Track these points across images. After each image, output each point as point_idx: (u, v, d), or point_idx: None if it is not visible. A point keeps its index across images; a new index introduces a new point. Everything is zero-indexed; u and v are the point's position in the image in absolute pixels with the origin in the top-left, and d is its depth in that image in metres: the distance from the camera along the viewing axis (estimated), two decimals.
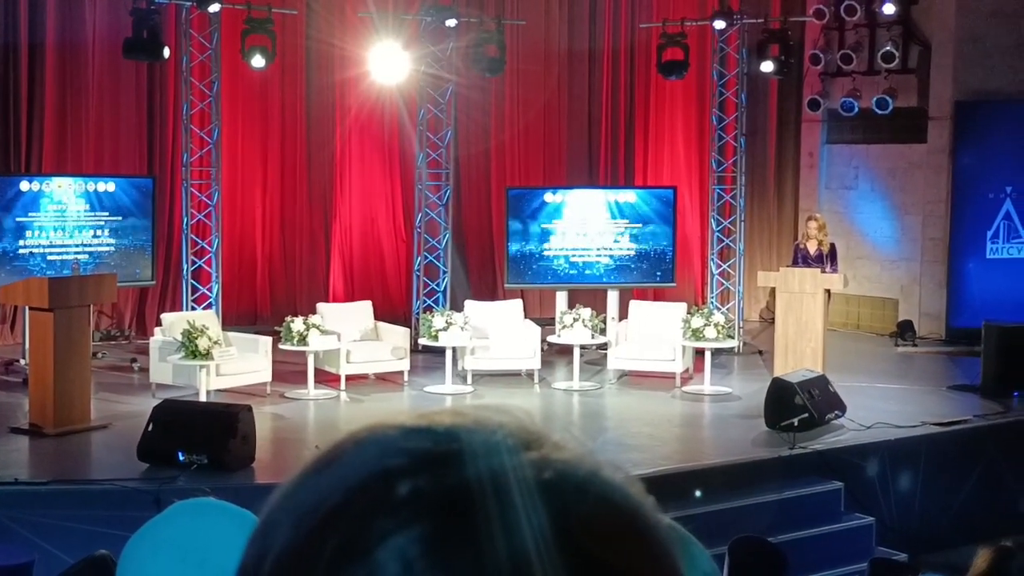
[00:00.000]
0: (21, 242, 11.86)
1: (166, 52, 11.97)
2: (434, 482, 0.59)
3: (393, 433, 0.63)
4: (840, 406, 9.89)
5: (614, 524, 0.61)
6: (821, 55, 14.80)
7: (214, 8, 12.14)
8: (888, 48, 14.17)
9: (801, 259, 11.92)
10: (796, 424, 9.27)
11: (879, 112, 14.18)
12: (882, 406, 10.43)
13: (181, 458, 8.11)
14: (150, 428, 8.33)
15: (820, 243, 11.92)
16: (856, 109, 14.46)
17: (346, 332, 11.29)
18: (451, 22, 12.92)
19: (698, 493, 7.10)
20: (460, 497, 0.59)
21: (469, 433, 0.62)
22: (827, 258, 11.85)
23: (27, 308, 9.87)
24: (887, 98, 14.12)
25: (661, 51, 13.59)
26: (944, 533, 9.16)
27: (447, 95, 13.42)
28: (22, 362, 11.05)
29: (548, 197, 13.15)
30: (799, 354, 11.00)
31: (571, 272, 13.02)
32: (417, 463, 0.60)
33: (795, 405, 9.38)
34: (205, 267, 12.72)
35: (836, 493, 9.03)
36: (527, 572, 0.57)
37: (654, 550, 0.63)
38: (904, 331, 14.09)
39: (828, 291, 11.33)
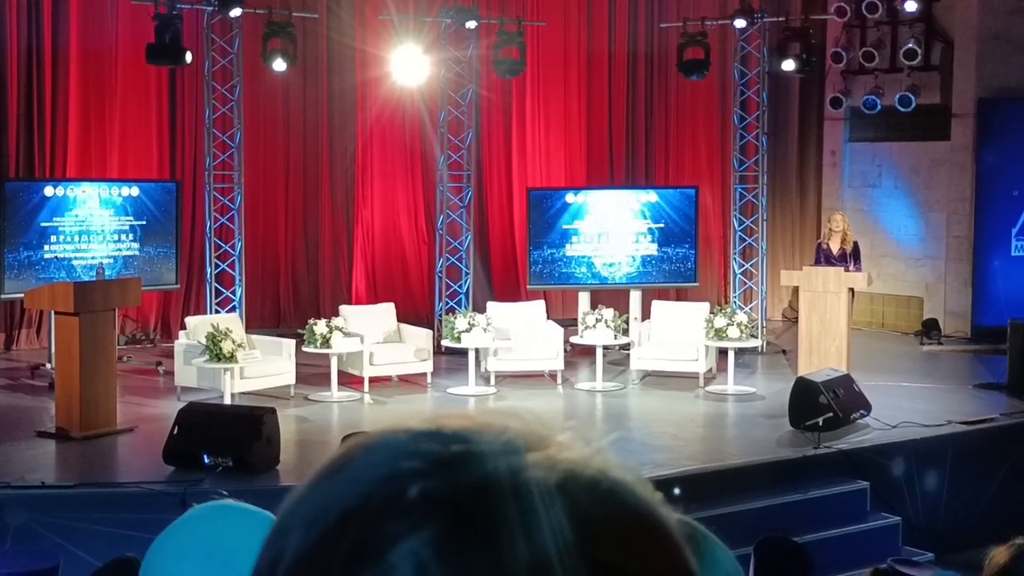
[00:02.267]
0: (46, 247, 11.94)
1: (188, 57, 12.03)
2: (445, 484, 0.60)
3: (402, 437, 0.63)
4: (865, 405, 9.84)
5: (624, 522, 0.62)
6: (843, 53, 14.74)
7: (235, 13, 12.19)
8: (910, 45, 14.10)
9: (824, 258, 11.87)
10: (821, 424, 9.23)
11: (902, 110, 14.11)
12: (907, 405, 10.38)
13: (206, 460, 8.15)
14: (175, 431, 8.37)
15: (843, 241, 11.87)
16: (879, 107, 14.40)
17: (369, 334, 11.32)
18: (471, 24, 12.93)
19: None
20: (472, 498, 0.60)
21: (477, 435, 0.63)
22: (850, 257, 11.80)
23: (53, 313, 9.94)
24: (910, 95, 14.05)
25: (682, 51, 13.56)
26: (971, 532, 9.09)
27: (468, 97, 13.43)
28: (48, 366, 11.12)
29: (570, 198, 13.15)
30: (823, 353, 10.96)
31: (593, 273, 13.01)
32: (427, 466, 0.61)
33: (820, 404, 9.34)
34: (228, 270, 12.77)
35: (862, 493, 8.99)
36: (542, 572, 0.58)
37: (665, 546, 0.63)
38: (929, 329, 14.01)
39: (852, 290, 11.28)
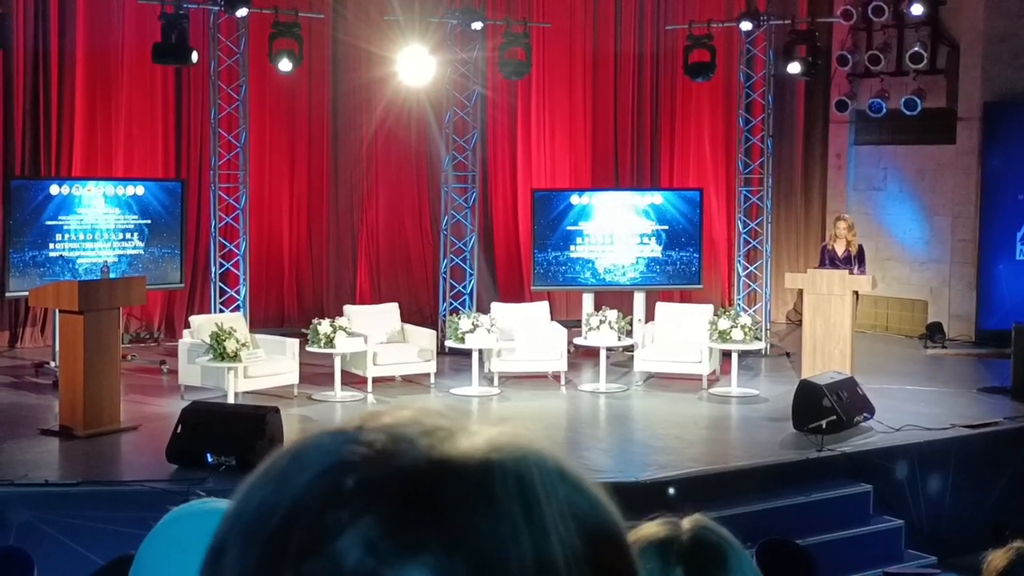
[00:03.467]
0: (51, 245, 11.96)
1: (194, 57, 12.05)
2: (380, 472, 0.61)
3: (328, 438, 0.65)
4: (869, 408, 9.83)
5: (562, 491, 0.64)
6: (849, 56, 14.73)
7: (242, 13, 12.21)
8: (916, 49, 14.09)
9: (829, 260, 11.86)
10: (824, 426, 9.23)
11: (907, 113, 14.10)
12: (911, 408, 10.37)
13: (210, 459, 8.16)
14: (179, 429, 8.39)
15: (848, 244, 11.86)
16: (884, 110, 14.39)
17: (373, 334, 11.32)
18: (477, 25, 12.94)
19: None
20: (407, 480, 0.61)
21: (401, 427, 0.65)
22: (855, 259, 11.79)
23: (57, 311, 9.95)
24: (915, 99, 14.04)
25: (687, 53, 13.56)
26: (974, 536, 9.08)
27: (473, 98, 13.44)
28: (52, 364, 11.14)
29: (574, 199, 13.15)
30: (827, 356, 10.95)
31: (597, 274, 13.01)
32: (359, 459, 0.62)
33: (823, 407, 9.33)
34: (233, 270, 12.79)
35: (865, 496, 8.98)
36: (491, 537, 0.60)
37: (565, 490, 0.65)
38: (933, 333, 13.99)
39: (856, 293, 11.27)
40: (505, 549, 0.60)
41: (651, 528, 1.47)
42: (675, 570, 1.42)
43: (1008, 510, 9.48)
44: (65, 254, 11.99)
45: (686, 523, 1.48)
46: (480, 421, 0.67)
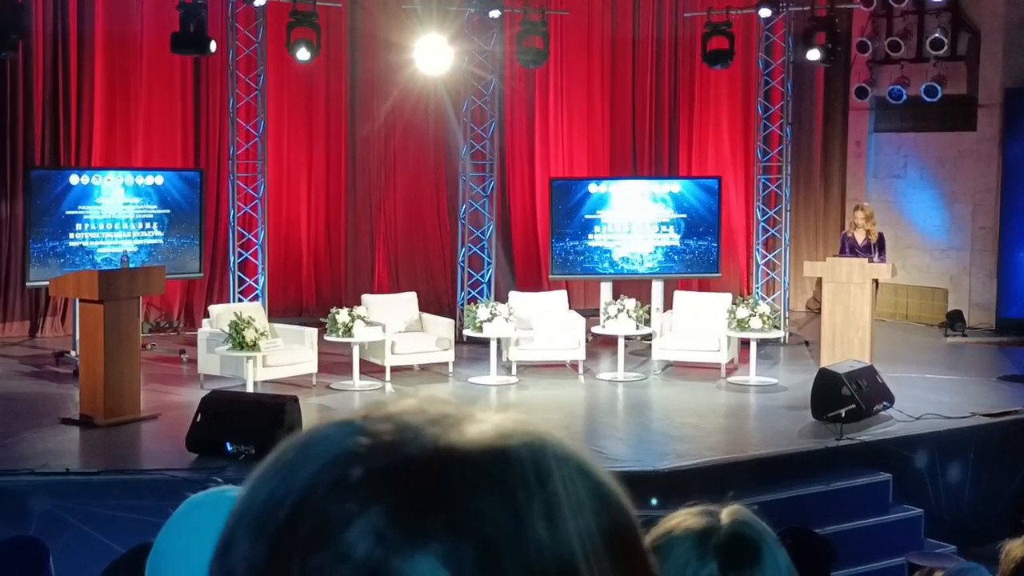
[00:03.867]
0: (71, 235, 12.01)
1: (213, 46, 12.06)
2: (386, 461, 0.61)
3: (334, 430, 0.65)
4: (888, 397, 9.79)
5: (570, 481, 0.64)
6: (869, 43, 14.64)
7: (260, 2, 12.22)
8: (937, 35, 13.99)
9: (849, 249, 11.81)
10: (843, 415, 9.20)
11: (928, 100, 14.01)
12: (931, 397, 10.32)
13: (229, 448, 8.19)
14: (198, 419, 8.42)
15: (868, 232, 11.80)
16: (904, 97, 14.30)
17: (391, 323, 11.34)
18: (495, 13, 12.91)
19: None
20: (414, 468, 0.61)
21: (406, 416, 0.65)
22: (875, 248, 11.73)
23: (77, 300, 10.00)
24: (936, 85, 13.95)
25: (706, 40, 13.50)
26: (994, 525, 9.05)
27: (491, 86, 13.42)
28: (72, 353, 11.20)
29: (592, 188, 13.13)
30: (846, 344, 10.91)
31: (616, 263, 12.99)
32: (365, 449, 0.62)
33: (842, 396, 9.30)
34: (251, 259, 12.82)
35: (884, 484, 8.95)
36: (500, 524, 0.60)
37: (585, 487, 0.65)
38: (954, 321, 13.93)
39: (876, 281, 11.22)
40: (517, 536, 0.60)
41: (689, 519, 1.45)
42: (710, 564, 1.41)
43: None
44: (85, 244, 12.05)
45: (725, 516, 1.46)
46: (487, 409, 0.67)
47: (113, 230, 12.27)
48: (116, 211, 12.28)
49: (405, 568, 0.58)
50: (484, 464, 0.62)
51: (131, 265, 11.64)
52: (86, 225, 12.11)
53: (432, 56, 12.79)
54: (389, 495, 0.60)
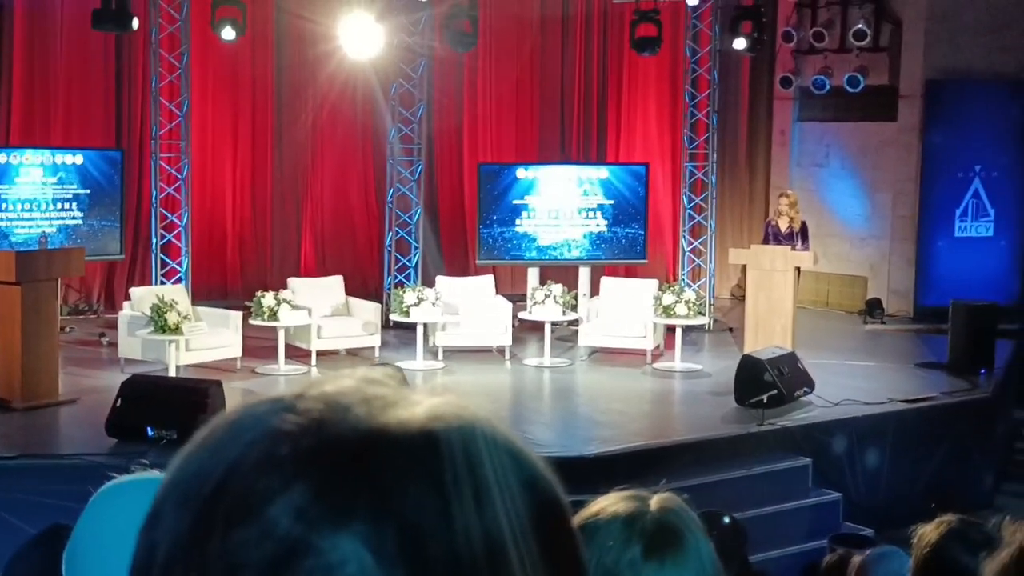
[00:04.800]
0: None
1: (135, 23, 11.83)
2: (311, 439, 0.61)
3: (265, 407, 0.65)
4: (809, 383, 9.95)
5: (494, 458, 0.64)
6: (793, 32, 14.81)
7: None
8: (860, 26, 14.19)
9: (772, 236, 11.96)
10: (765, 401, 9.33)
11: (850, 90, 14.22)
12: (850, 383, 10.51)
13: (151, 433, 8.08)
14: (119, 403, 8.29)
15: (792, 220, 11.96)
16: (828, 87, 14.50)
17: (317, 307, 11.25)
18: None
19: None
20: (341, 447, 0.61)
21: (338, 397, 0.64)
22: (798, 235, 11.90)
23: None
24: (858, 76, 14.17)
25: (634, 27, 13.56)
26: (911, 509, 9.24)
27: (420, 69, 13.35)
28: None
29: (520, 173, 13.14)
30: (769, 331, 11.06)
31: (543, 248, 13.02)
32: (294, 428, 0.62)
33: (764, 382, 9.43)
34: (175, 241, 12.63)
35: (804, 469, 9.11)
36: (425, 507, 0.60)
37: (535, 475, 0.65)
38: (872, 309, 14.18)
39: (798, 269, 11.38)
40: (443, 521, 0.60)
41: (618, 502, 1.46)
42: (634, 548, 1.42)
43: (943, 484, 9.66)
44: (2, 224, 11.77)
45: (654, 502, 1.47)
46: (423, 391, 0.67)
47: (31, 210, 12.00)
48: (34, 191, 12.02)
49: (325, 546, 0.58)
50: (412, 447, 0.61)
51: (50, 246, 11.41)
52: (3, 205, 11.83)
53: (359, 38, 12.66)
54: (313, 473, 0.60)
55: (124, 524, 1.51)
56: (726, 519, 5.46)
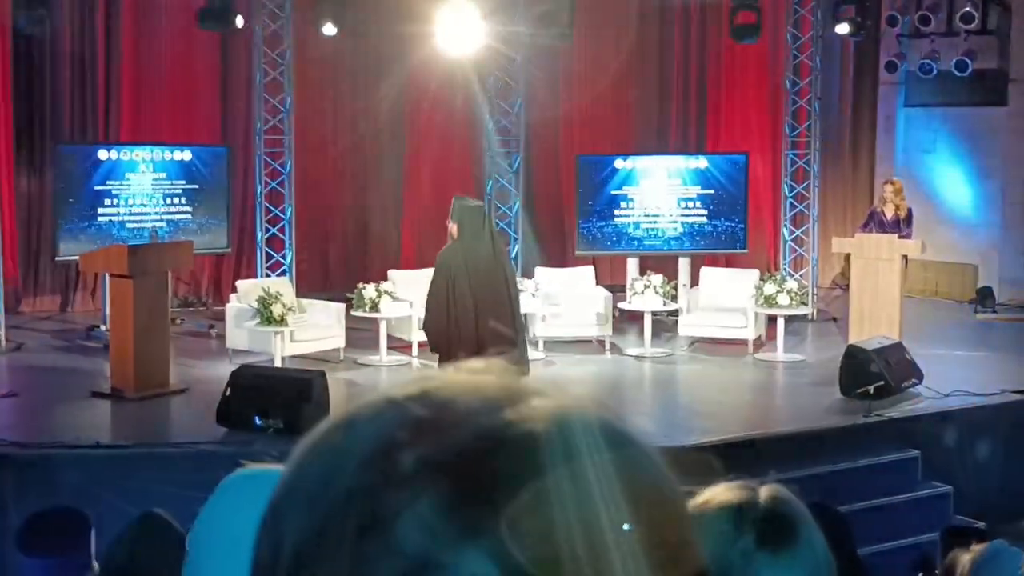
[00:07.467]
0: (101, 210, 12.07)
1: (239, 21, 12.06)
2: (437, 448, 0.60)
3: (385, 407, 0.64)
4: (917, 374, 9.74)
5: (628, 468, 0.63)
6: (899, 16, 14.49)
7: None
8: (967, 9, 13.83)
9: (876, 224, 11.73)
10: (872, 392, 9.16)
11: (958, 74, 13.86)
12: (960, 374, 10.26)
13: (258, 422, 8.24)
14: (228, 392, 8.47)
15: (897, 207, 11.72)
16: (935, 71, 14.16)
17: (417, 299, 11.33)
18: None
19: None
20: (464, 458, 0.60)
21: (456, 396, 0.63)
22: (903, 223, 11.65)
23: (107, 275, 10.06)
24: (966, 60, 13.80)
25: (733, 14, 13.40)
26: (1023, 503, 9.00)
27: (517, 62, 13.36)
28: (103, 328, 11.28)
29: (619, 164, 13.08)
30: (875, 321, 10.85)
31: (642, 239, 12.96)
32: (415, 433, 0.61)
33: (871, 372, 9.26)
34: (279, 235, 12.86)
35: (913, 461, 8.92)
36: (548, 518, 0.59)
37: (658, 486, 0.65)
38: (983, 298, 13.83)
39: (905, 257, 11.15)
40: (565, 527, 0.59)
41: (728, 492, 1.46)
42: (746, 537, 1.41)
43: None
44: (114, 219, 12.11)
45: (764, 492, 1.46)
46: (541, 387, 0.65)
47: (142, 205, 12.32)
48: (144, 187, 12.33)
49: (454, 563, 0.58)
50: (537, 454, 0.61)
51: (160, 240, 11.71)
52: (115, 200, 12.17)
53: (458, 32, 12.72)
54: (440, 486, 0.59)
55: (250, 513, 1.53)
56: (832, 510, 5.39)
